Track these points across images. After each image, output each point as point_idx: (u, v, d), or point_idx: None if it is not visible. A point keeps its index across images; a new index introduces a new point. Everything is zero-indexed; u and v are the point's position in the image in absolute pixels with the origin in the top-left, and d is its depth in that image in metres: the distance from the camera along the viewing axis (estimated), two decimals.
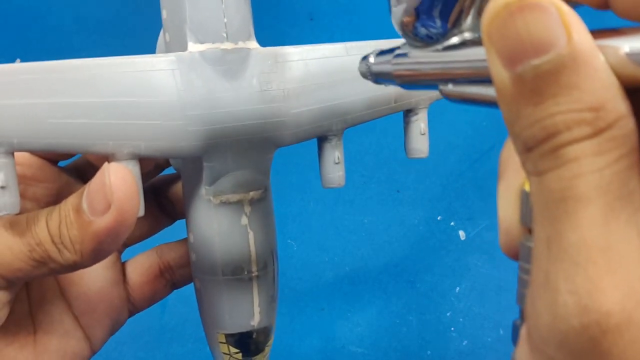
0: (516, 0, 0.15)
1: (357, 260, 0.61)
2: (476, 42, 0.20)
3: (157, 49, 0.31)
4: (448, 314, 0.60)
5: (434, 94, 0.32)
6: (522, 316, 0.20)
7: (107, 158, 0.27)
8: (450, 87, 0.20)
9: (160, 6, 0.29)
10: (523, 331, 0.18)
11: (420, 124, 0.33)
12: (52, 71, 0.25)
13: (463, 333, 0.59)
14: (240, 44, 0.28)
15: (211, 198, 0.29)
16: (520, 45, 0.15)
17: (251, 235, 0.30)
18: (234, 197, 0.29)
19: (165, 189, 0.35)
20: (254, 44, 0.28)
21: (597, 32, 0.16)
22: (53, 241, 0.25)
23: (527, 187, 0.19)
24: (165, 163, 0.34)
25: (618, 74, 0.15)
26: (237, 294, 0.30)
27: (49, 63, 0.25)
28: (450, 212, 0.62)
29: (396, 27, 0.22)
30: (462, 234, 0.62)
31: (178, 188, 0.34)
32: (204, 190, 0.29)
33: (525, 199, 0.19)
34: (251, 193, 0.29)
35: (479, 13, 0.20)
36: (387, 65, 0.23)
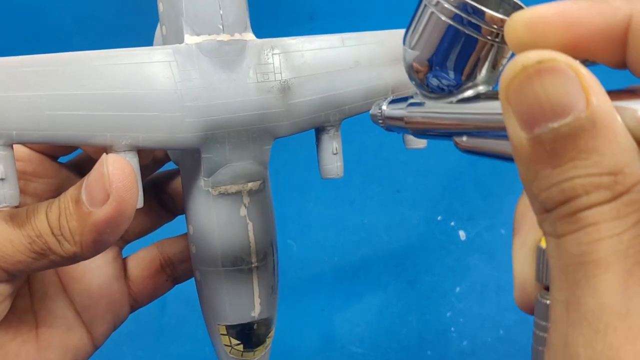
0: (534, 63, 0.15)
1: (357, 260, 0.61)
2: (490, 96, 0.20)
3: (154, 42, 0.31)
4: (448, 314, 0.60)
5: None
6: None
7: (106, 150, 0.27)
8: (464, 140, 0.21)
9: None
10: None
11: None
12: (51, 64, 0.25)
13: (463, 333, 0.59)
14: (237, 36, 0.28)
15: (210, 189, 0.29)
16: (538, 108, 0.15)
17: (250, 226, 0.30)
18: (233, 188, 0.29)
19: (166, 184, 0.35)
20: (250, 36, 0.29)
21: (614, 93, 0.16)
22: (53, 233, 0.25)
23: (543, 244, 0.20)
24: (165, 158, 0.34)
25: (636, 136, 0.15)
26: (237, 285, 0.30)
27: (47, 56, 0.26)
28: (450, 212, 0.62)
29: (406, 71, 0.22)
30: (462, 234, 0.62)
31: (178, 183, 0.34)
32: (202, 182, 0.29)
33: (541, 256, 0.20)
34: (249, 184, 0.29)
35: (494, 66, 0.20)
36: (400, 112, 0.23)
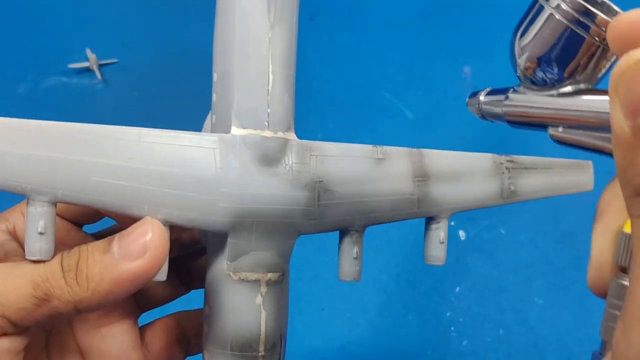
0: None
1: None
2: (589, 92, 0.22)
3: (204, 128, 0.33)
4: (448, 314, 0.60)
5: (457, 205, 0.33)
6: (603, 347, 0.21)
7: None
8: (560, 131, 0.23)
9: (212, 90, 0.31)
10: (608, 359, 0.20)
11: (440, 232, 0.33)
12: (104, 135, 0.27)
13: (463, 333, 0.59)
14: (280, 134, 0.29)
15: (231, 273, 0.30)
16: None
17: (263, 315, 0.30)
18: (252, 276, 0.30)
19: (188, 262, 0.36)
20: (292, 136, 0.30)
21: None
22: (64, 276, 0.26)
23: (626, 229, 0.21)
24: (189, 243, 0.35)
25: None
26: None
27: (101, 126, 0.27)
28: None
29: (517, 73, 0.24)
30: (462, 234, 0.63)
31: (199, 263, 0.36)
32: (225, 265, 0.30)
33: (622, 240, 0.21)
34: (269, 274, 0.30)
35: (596, 66, 0.23)
36: (497, 103, 0.25)
